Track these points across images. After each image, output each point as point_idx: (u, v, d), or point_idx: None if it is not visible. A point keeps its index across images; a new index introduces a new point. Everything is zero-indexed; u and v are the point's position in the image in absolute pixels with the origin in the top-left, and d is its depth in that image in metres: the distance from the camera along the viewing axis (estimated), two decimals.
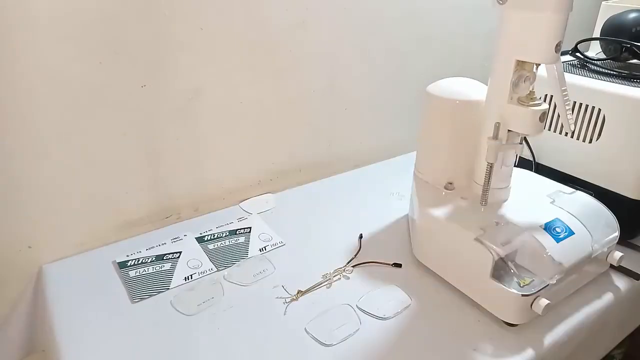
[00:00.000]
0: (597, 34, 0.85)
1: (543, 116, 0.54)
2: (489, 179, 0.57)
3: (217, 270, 0.63)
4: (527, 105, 0.54)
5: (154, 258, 0.65)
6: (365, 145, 0.95)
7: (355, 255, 0.66)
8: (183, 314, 0.56)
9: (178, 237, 0.70)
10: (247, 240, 0.70)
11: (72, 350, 0.51)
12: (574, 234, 0.55)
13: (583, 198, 0.63)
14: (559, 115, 0.71)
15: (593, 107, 0.67)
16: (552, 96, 0.68)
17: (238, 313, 0.56)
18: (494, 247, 0.52)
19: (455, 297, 0.58)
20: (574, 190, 0.65)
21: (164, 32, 0.63)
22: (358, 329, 0.54)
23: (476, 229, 0.55)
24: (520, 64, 0.54)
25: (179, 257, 0.65)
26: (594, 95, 0.67)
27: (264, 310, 0.57)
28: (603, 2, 0.93)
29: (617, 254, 0.58)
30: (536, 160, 0.76)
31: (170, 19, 0.63)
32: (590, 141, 0.68)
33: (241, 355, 0.49)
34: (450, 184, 0.65)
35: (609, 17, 0.82)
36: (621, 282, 0.62)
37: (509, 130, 0.56)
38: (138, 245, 0.68)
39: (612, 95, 0.65)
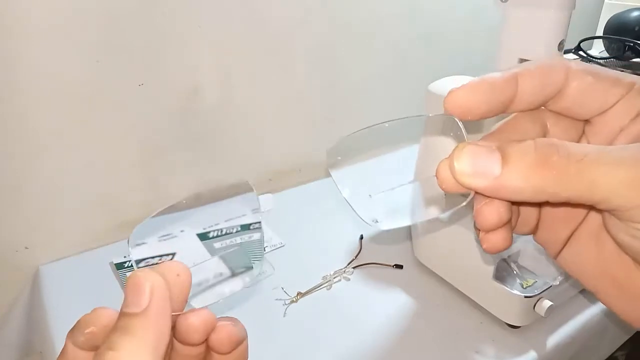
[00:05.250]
0: (600, 32, 0.84)
1: None
2: None
3: None
4: None
5: None
6: None
7: (356, 257, 0.65)
8: None
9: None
10: None
11: None
12: None
13: None
14: None
15: None
16: None
17: (237, 315, 0.55)
18: None
19: (457, 299, 0.58)
20: None
21: (162, 30, 0.63)
22: (359, 332, 0.53)
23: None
24: (523, 63, 0.53)
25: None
26: None
27: (263, 312, 0.56)
28: (606, 0, 0.92)
29: None
30: None
31: (168, 16, 0.62)
32: None
33: None
34: None
35: (612, 15, 0.81)
36: None
37: None
38: None
39: None
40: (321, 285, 0.60)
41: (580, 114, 0.21)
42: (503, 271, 0.53)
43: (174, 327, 0.22)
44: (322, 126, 0.86)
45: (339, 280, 0.61)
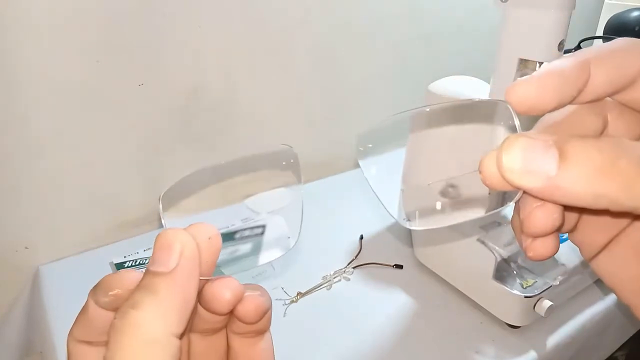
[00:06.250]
0: (600, 32, 0.84)
1: None
2: None
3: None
4: None
5: None
6: None
7: (356, 257, 0.65)
8: None
9: None
10: None
11: None
12: None
13: None
14: None
15: None
16: None
17: None
18: (497, 247, 0.51)
19: (457, 299, 0.57)
20: None
21: (162, 30, 0.62)
22: (359, 332, 0.53)
23: (478, 229, 0.54)
24: (523, 63, 0.53)
25: None
26: None
27: None
28: (606, 1, 0.92)
29: None
30: None
31: (168, 16, 0.62)
32: None
33: None
34: None
35: (612, 15, 0.81)
36: None
37: None
38: (135, 246, 0.67)
39: None
40: (321, 285, 0.60)
41: None
42: (503, 271, 0.53)
43: (200, 292, 0.20)
44: (322, 126, 0.86)
45: (339, 280, 0.61)
